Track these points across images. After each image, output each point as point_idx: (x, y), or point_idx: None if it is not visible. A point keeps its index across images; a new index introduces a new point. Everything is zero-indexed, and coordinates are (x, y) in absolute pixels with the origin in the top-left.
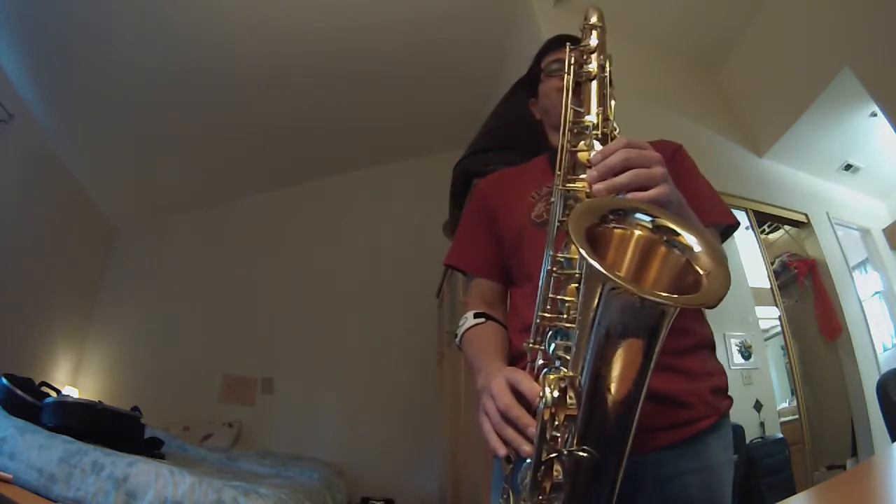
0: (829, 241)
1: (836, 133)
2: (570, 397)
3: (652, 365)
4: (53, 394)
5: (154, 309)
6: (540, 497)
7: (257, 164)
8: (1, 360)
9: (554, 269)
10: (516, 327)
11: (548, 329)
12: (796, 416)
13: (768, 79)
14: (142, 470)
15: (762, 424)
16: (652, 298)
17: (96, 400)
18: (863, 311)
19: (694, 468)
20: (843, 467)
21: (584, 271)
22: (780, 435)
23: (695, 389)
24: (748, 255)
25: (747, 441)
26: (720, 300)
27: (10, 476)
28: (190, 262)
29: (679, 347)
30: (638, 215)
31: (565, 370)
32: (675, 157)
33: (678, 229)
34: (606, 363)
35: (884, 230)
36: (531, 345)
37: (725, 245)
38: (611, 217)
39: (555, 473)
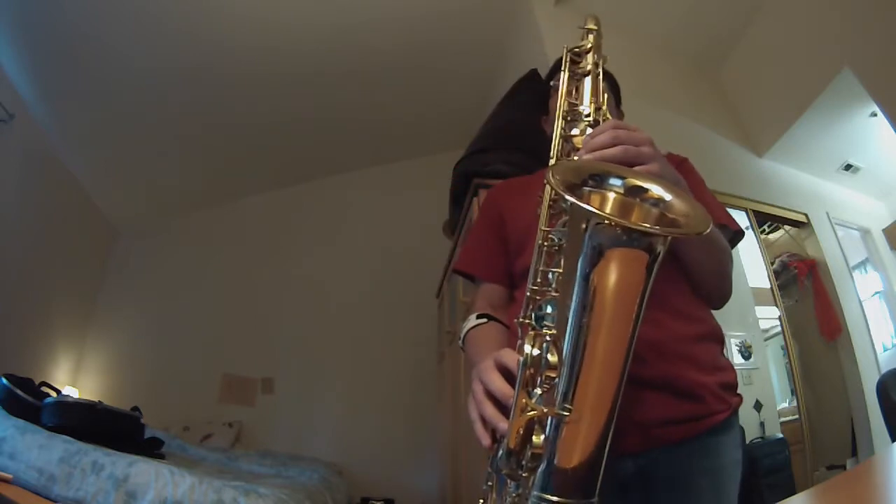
0: (829, 241)
1: (836, 133)
2: (552, 354)
3: (641, 314)
4: (53, 394)
5: (154, 309)
6: (519, 469)
7: (257, 164)
8: (1, 360)
9: (545, 243)
10: (516, 315)
11: (538, 302)
12: (796, 416)
13: (768, 79)
14: (142, 470)
15: (762, 424)
16: (638, 227)
17: (96, 400)
18: (863, 311)
19: (706, 468)
20: (843, 467)
21: (568, 217)
22: (780, 435)
23: (705, 382)
24: (748, 255)
25: (747, 441)
26: (703, 231)
27: (10, 476)
28: (190, 262)
29: (686, 334)
30: (611, 180)
31: (548, 330)
32: (681, 168)
33: (645, 185)
34: (591, 313)
35: (884, 230)
36: (521, 320)
37: None
38: (590, 181)
39: (535, 439)
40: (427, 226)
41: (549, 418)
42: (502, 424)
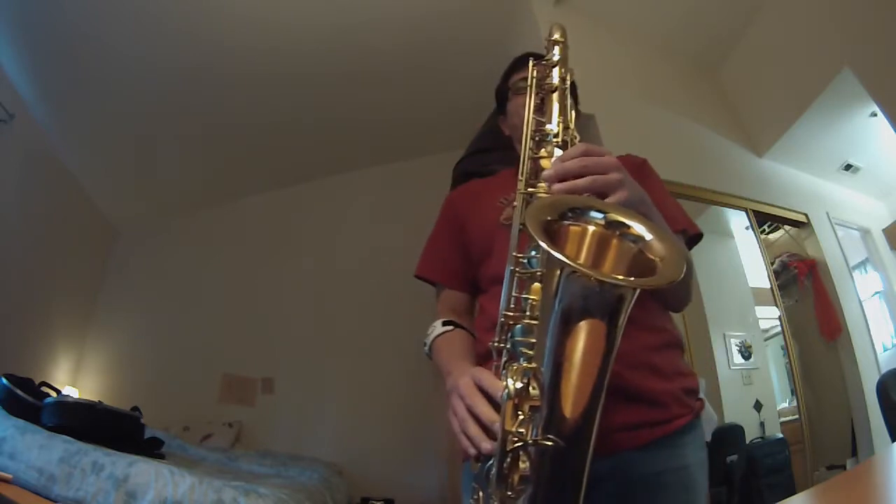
0: (829, 241)
1: (836, 133)
2: (533, 387)
3: (614, 353)
4: (53, 394)
5: (154, 309)
6: (508, 491)
7: (257, 164)
8: (1, 360)
9: (517, 269)
10: (484, 326)
11: (512, 327)
12: (796, 416)
13: (768, 79)
14: (142, 470)
15: (762, 424)
16: (608, 280)
17: (96, 400)
18: (863, 311)
19: (670, 468)
20: (843, 467)
21: (543, 263)
22: (780, 435)
23: (668, 388)
24: (748, 255)
25: (747, 441)
26: (674, 282)
27: (10, 476)
28: (190, 263)
29: (650, 345)
30: (591, 213)
31: (527, 363)
32: (641, 171)
33: (627, 221)
34: (567, 351)
35: (884, 230)
36: (496, 343)
37: (722, 245)
38: (568, 214)
39: (521, 465)
40: (427, 226)
41: (534, 446)
42: (486, 444)
